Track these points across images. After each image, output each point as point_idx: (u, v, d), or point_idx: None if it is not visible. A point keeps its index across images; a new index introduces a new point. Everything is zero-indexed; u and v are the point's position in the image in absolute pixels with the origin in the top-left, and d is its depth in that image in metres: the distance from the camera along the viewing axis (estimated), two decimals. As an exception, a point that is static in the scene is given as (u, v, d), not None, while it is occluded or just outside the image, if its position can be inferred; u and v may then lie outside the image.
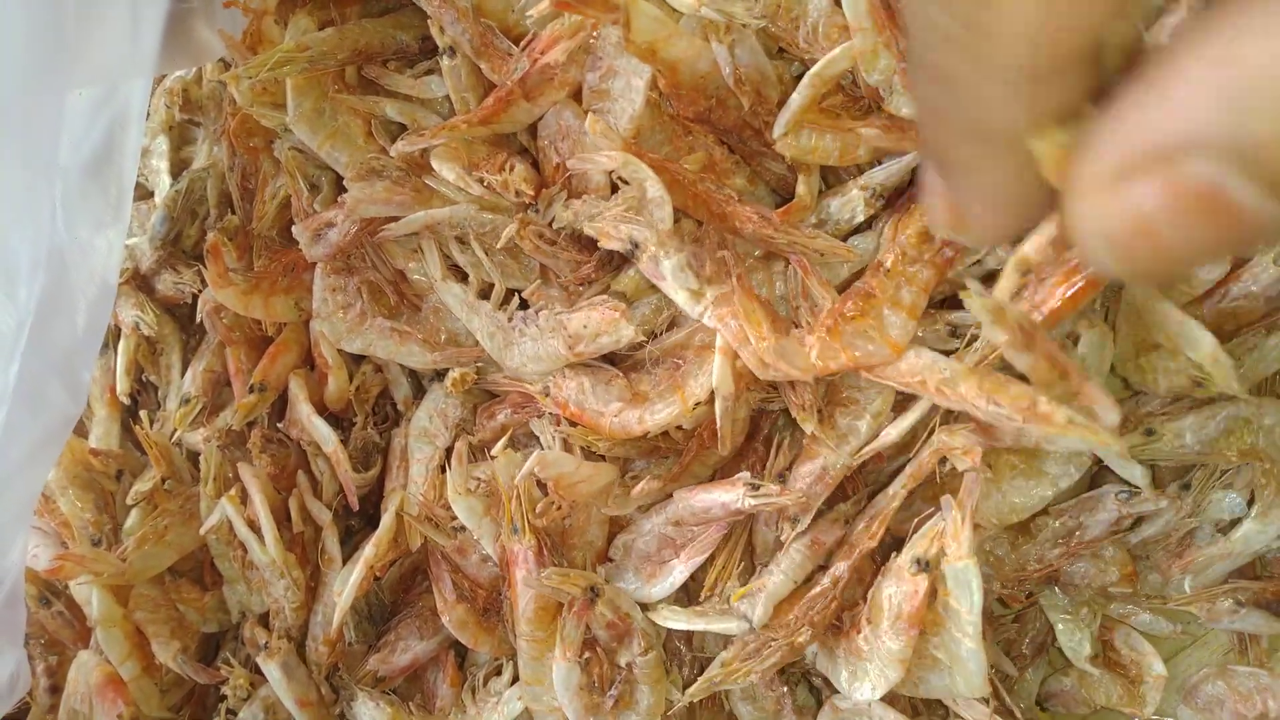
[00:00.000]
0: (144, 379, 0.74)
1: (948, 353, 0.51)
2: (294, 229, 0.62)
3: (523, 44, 0.56)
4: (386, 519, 0.64)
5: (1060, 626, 0.61)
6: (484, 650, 0.63)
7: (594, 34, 0.54)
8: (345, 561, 0.67)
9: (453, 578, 0.62)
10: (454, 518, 0.62)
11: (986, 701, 0.58)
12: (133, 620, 0.69)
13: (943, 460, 0.54)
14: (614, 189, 0.56)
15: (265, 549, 0.64)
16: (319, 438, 0.65)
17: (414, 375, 0.68)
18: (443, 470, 0.64)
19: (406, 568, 0.68)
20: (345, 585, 0.63)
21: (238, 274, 0.63)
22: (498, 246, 0.58)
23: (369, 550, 0.63)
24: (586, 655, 0.57)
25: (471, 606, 0.62)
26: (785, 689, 0.60)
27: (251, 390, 0.65)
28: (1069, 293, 0.48)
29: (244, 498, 0.67)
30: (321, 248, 0.60)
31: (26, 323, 0.58)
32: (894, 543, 0.55)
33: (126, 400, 0.71)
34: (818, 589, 0.55)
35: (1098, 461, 0.59)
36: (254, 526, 0.66)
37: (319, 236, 0.60)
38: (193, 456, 0.72)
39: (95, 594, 0.67)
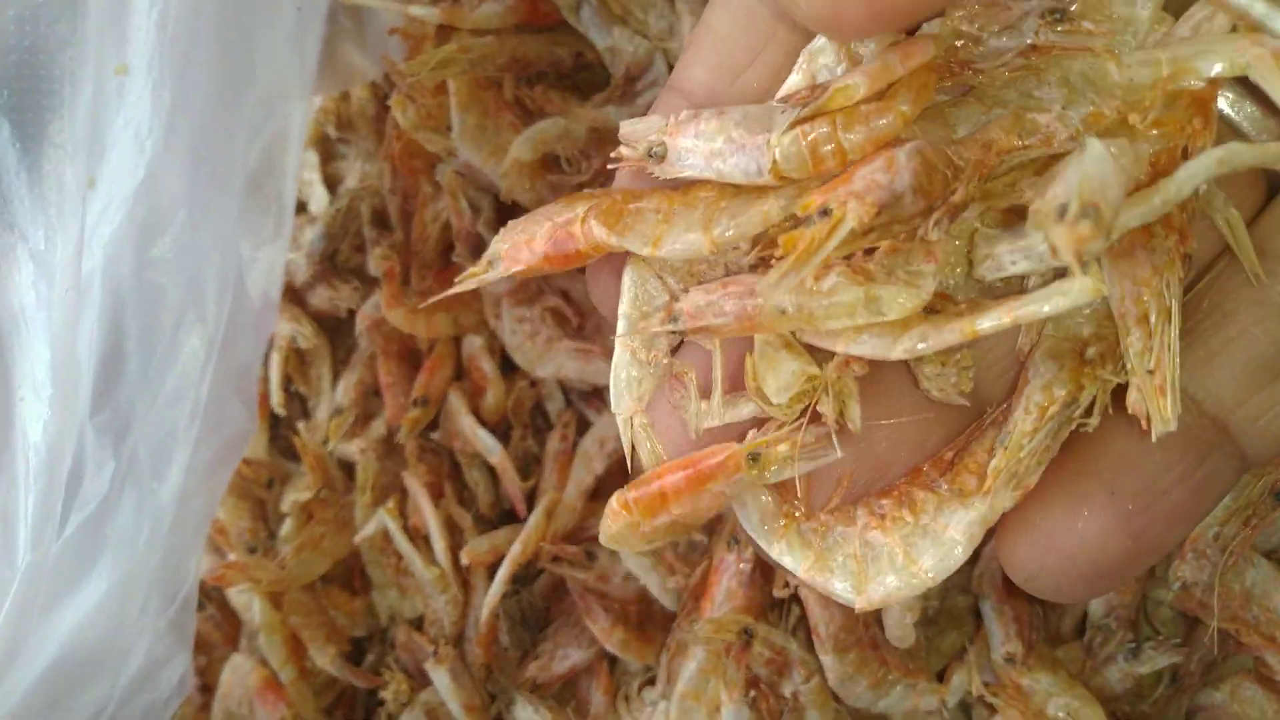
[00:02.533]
0: (291, 390, 0.75)
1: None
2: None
3: None
4: (535, 516, 0.65)
5: None
6: (647, 661, 0.65)
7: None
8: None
9: (601, 604, 0.63)
10: (589, 553, 0.65)
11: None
12: (289, 625, 0.71)
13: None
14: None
15: (428, 565, 0.65)
16: (483, 448, 0.66)
17: (565, 389, 0.70)
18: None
19: (559, 576, 0.70)
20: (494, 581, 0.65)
21: (408, 294, 0.64)
22: None
23: (515, 548, 0.65)
24: (752, 694, 0.59)
25: (628, 625, 0.64)
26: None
27: (415, 404, 0.67)
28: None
29: (402, 508, 0.69)
30: (504, 282, 0.62)
31: (216, 340, 0.59)
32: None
33: (281, 411, 0.73)
34: None
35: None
36: (413, 537, 0.68)
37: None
38: (343, 466, 0.74)
39: (256, 601, 0.69)
